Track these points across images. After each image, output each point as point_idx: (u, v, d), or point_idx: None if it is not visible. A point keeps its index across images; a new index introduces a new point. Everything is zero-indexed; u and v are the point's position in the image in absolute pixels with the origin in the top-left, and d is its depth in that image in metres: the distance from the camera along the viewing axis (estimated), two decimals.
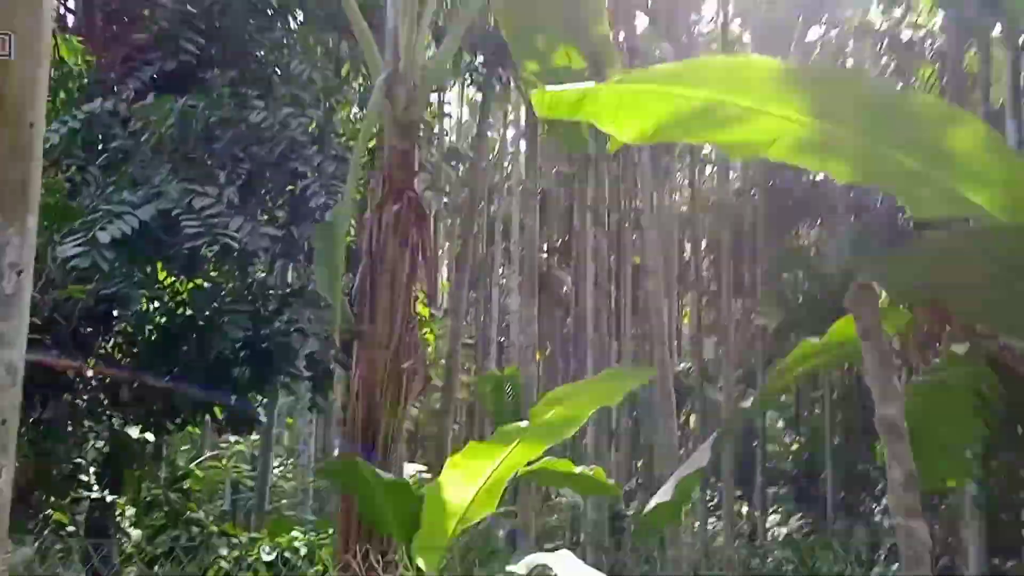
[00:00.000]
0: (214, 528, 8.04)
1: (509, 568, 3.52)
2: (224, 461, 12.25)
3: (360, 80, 8.57)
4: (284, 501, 15.82)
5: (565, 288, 25.36)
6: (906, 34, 20.67)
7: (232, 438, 12.97)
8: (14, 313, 4.03)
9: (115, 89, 7.90)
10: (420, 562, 3.44)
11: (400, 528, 3.41)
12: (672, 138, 3.31)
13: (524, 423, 3.24)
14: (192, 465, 10.90)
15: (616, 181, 20.90)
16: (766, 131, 3.05)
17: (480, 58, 12.36)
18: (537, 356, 16.81)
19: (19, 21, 4.02)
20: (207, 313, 6.12)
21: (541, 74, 6.38)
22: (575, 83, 3.03)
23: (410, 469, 16.40)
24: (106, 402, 6.04)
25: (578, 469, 4.18)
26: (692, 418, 23.94)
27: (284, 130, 6.39)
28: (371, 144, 7.22)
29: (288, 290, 7.01)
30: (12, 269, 3.99)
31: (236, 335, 5.91)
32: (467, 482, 3.32)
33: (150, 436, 7.18)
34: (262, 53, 7.32)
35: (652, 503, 3.55)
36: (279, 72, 7.33)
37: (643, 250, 12.91)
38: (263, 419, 7.54)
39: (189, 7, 7.00)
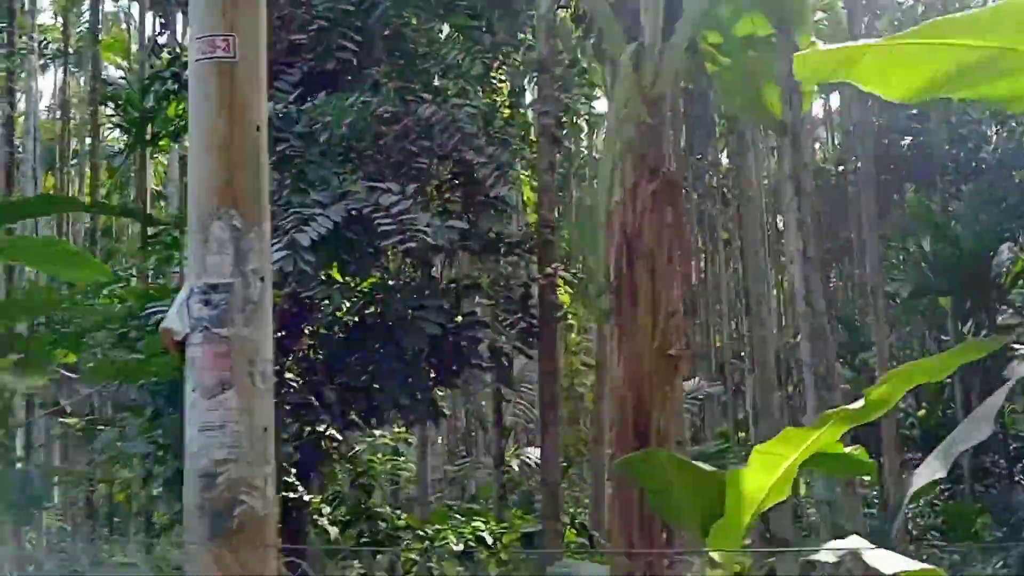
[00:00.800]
0: (400, 521, 7.92)
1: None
2: (380, 455, 12.17)
3: (503, 69, 8.21)
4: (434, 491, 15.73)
5: None
6: None
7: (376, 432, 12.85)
8: (261, 320, 3.82)
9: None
10: (715, 554, 3.11)
11: (699, 518, 3.08)
12: (945, 93, 2.98)
13: (856, 404, 2.89)
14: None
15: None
16: None
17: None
18: None
19: (240, 22, 3.80)
20: (397, 310, 5.90)
21: (722, 45, 5.98)
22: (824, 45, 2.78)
23: None
24: (315, 403, 5.89)
25: (847, 449, 3.78)
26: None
27: (454, 122, 6.10)
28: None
29: (467, 283, 6.75)
30: (255, 275, 3.78)
31: (433, 330, 5.67)
32: (770, 468, 3.00)
33: (339, 436, 7.07)
34: (417, 47, 7.05)
35: (923, 479, 3.31)
36: (438, 65, 7.05)
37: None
38: (447, 412, 7.32)
39: (345, 5, 6.75)
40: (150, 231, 8.65)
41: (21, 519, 3.67)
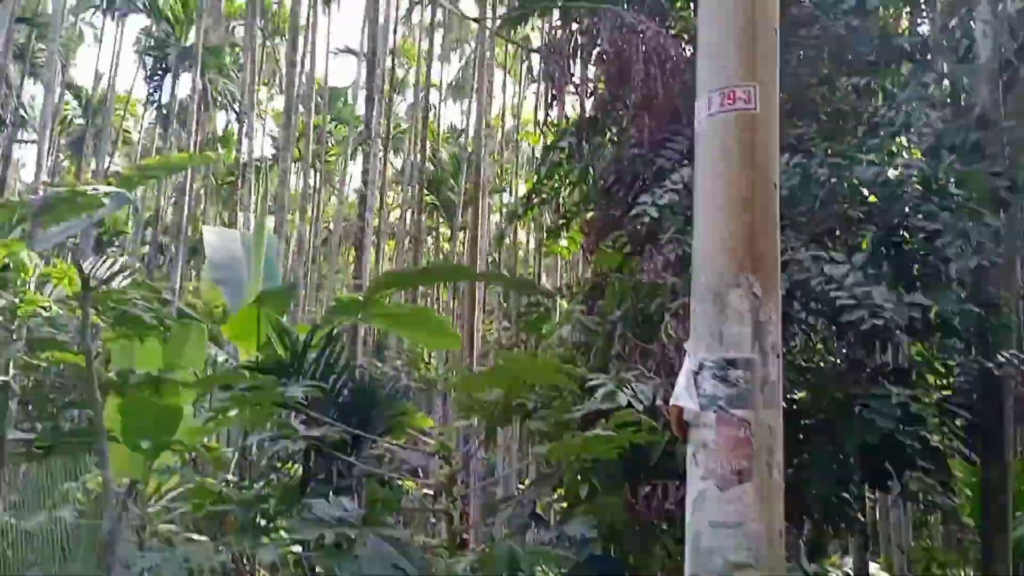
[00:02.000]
0: None
1: None
2: None
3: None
4: None
5: None
6: None
7: None
8: (777, 403, 3.45)
9: (652, 159, 7.66)
10: None
11: None
12: None
13: None
14: None
15: None
16: None
17: None
18: None
19: (760, 71, 3.53)
20: (837, 397, 5.32)
21: None
22: None
23: None
24: None
25: None
26: None
27: (902, 184, 5.49)
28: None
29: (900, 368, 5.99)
30: (773, 351, 3.42)
31: (886, 424, 5.00)
32: None
33: None
34: (840, 104, 6.58)
35: None
36: (868, 119, 6.51)
37: None
38: (863, 519, 6.54)
39: None
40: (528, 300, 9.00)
41: None
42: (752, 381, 3.20)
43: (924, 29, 8.61)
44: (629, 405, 4.35)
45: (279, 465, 5.96)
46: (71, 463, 7.79)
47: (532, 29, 24.85)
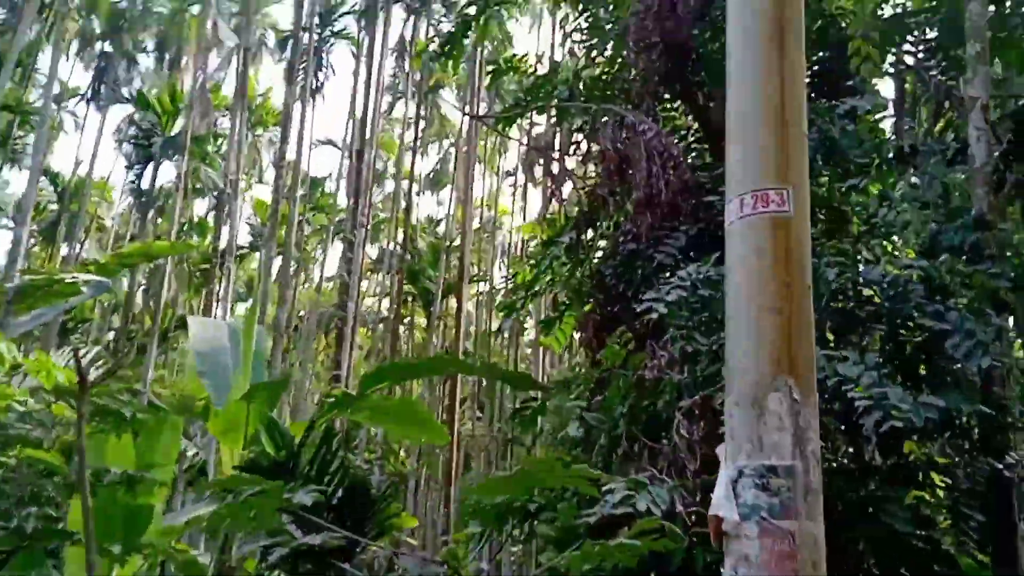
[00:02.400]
0: None
1: None
2: None
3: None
4: None
5: None
6: None
7: None
8: (819, 511, 3.34)
9: (651, 255, 7.70)
10: None
11: None
12: None
13: None
14: None
15: None
16: None
17: None
18: None
19: (791, 175, 3.56)
20: (850, 499, 5.19)
21: None
22: None
23: None
24: None
25: None
26: None
27: (908, 284, 5.51)
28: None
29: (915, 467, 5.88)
30: (814, 457, 3.33)
31: (903, 527, 4.87)
32: None
33: None
34: (840, 204, 6.67)
35: None
36: (868, 219, 6.59)
37: None
38: None
39: None
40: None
41: None
42: (795, 489, 3.10)
43: (912, 133, 8.88)
44: (648, 511, 4.19)
45: (266, 573, 5.67)
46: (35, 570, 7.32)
47: (518, 127, 25.44)
